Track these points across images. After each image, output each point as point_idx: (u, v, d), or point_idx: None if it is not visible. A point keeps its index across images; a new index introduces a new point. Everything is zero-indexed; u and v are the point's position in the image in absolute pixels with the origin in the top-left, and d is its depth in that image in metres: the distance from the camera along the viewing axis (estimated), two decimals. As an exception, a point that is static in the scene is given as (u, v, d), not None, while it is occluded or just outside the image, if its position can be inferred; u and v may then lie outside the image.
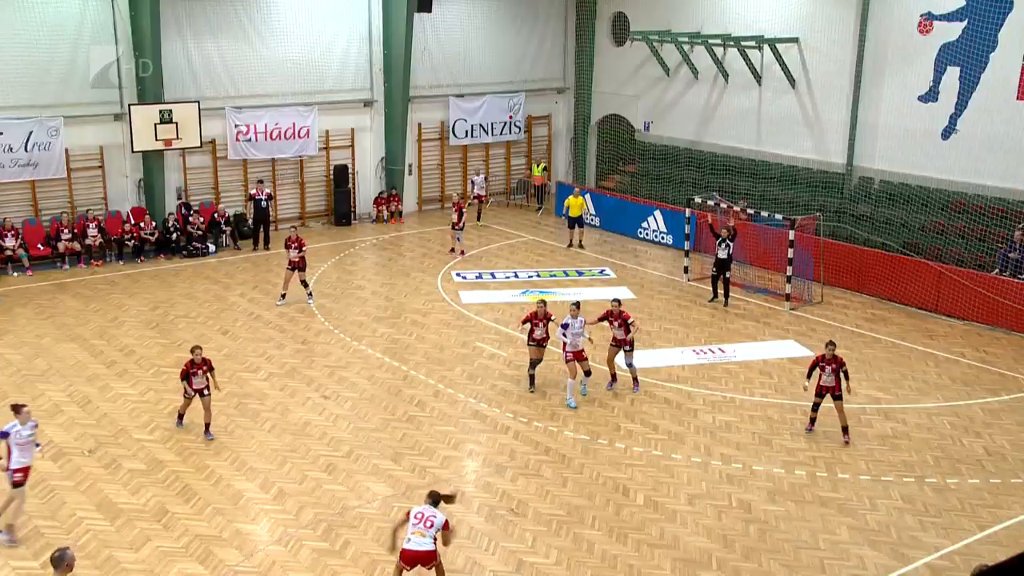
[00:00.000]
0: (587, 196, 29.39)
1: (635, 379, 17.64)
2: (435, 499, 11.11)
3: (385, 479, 14.38)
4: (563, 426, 16.18)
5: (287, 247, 21.90)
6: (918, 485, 14.37)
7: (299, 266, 21.92)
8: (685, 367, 18.86)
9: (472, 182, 30.92)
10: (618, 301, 17.75)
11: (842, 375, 15.50)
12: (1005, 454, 15.34)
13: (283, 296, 22.21)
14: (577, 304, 17.32)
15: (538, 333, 17.30)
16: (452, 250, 26.56)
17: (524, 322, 17.60)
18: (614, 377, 17.71)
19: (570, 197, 27.80)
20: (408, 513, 11.08)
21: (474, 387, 17.80)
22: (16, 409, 12.71)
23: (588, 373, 17.16)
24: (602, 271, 25.41)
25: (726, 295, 22.62)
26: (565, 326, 16.88)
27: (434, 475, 14.51)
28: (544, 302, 17.69)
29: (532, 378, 17.63)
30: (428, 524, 10.85)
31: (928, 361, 19.33)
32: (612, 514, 13.46)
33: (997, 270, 21.64)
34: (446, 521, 11.01)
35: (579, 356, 16.95)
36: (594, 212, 29.79)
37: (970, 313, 21.33)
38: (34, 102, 24.59)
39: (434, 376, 18.28)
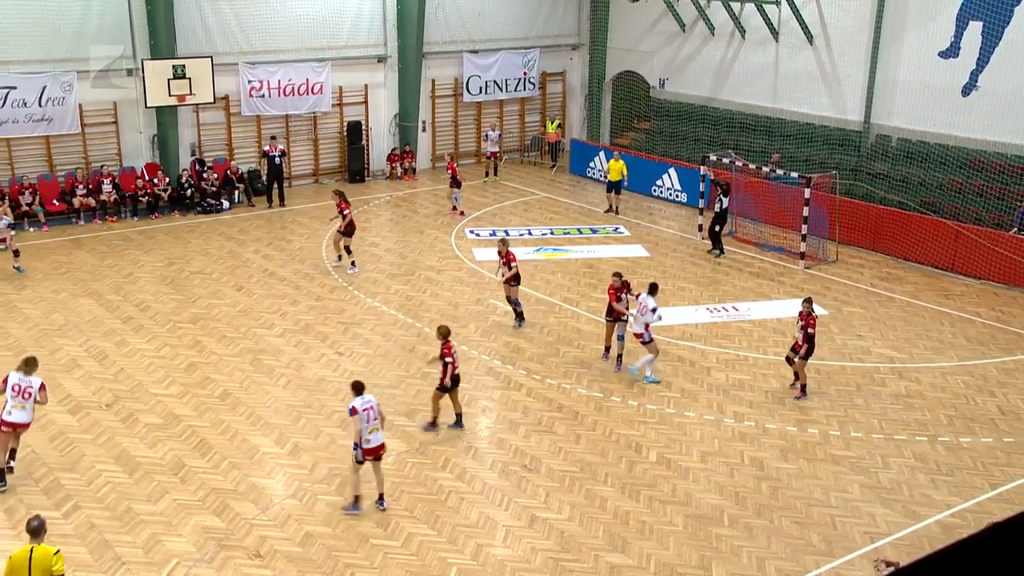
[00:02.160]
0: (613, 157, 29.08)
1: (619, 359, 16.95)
2: None
3: (399, 435, 14.48)
4: (576, 383, 16.24)
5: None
6: (931, 444, 14.39)
7: (343, 231, 21.41)
8: (699, 325, 18.86)
9: (486, 136, 30.70)
10: (619, 275, 17.00)
11: (802, 333, 15.32)
12: (1019, 413, 15.33)
13: (351, 263, 21.54)
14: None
15: (506, 272, 18.17)
16: (454, 208, 26.34)
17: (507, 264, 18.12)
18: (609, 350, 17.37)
19: (611, 161, 27.33)
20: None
21: (487, 344, 17.85)
22: (28, 363, 12.99)
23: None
24: (616, 229, 25.32)
25: (717, 246, 23.01)
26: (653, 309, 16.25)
27: (447, 431, 14.60)
28: (505, 241, 18.69)
29: (520, 315, 18.51)
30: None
31: (943, 320, 19.27)
32: (625, 471, 13.54)
33: (1015, 229, 21.46)
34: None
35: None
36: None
37: (987, 272, 21.20)
38: (48, 56, 24.51)
39: (448, 333, 18.30)
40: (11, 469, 12.89)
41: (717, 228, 22.95)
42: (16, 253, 20.99)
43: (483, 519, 12.37)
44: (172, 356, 17.18)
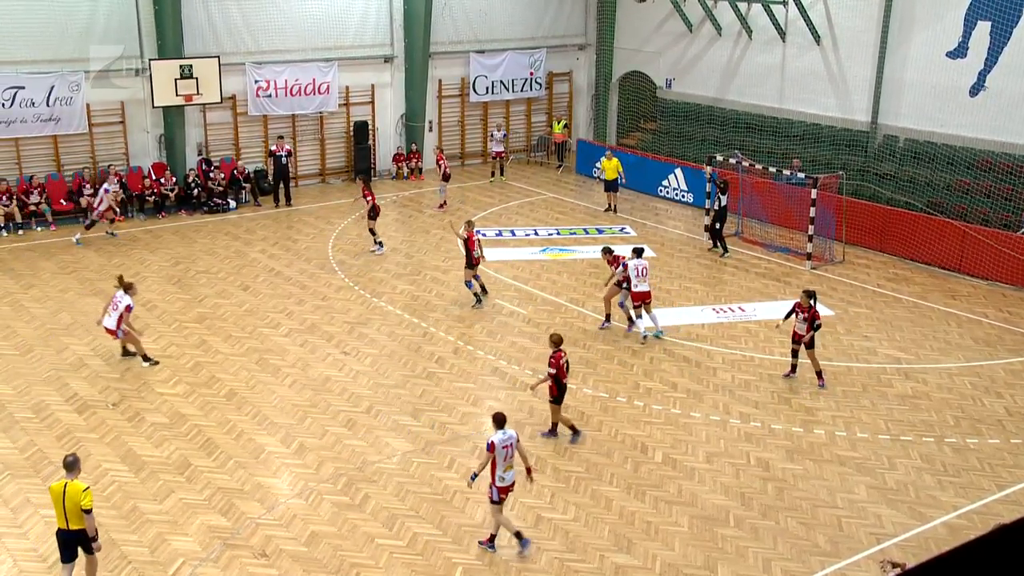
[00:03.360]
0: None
1: (630, 319, 18.34)
2: None
3: (404, 435, 14.50)
4: (582, 383, 16.23)
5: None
6: (937, 445, 14.35)
7: (368, 215, 22.70)
8: (705, 325, 18.83)
9: (492, 136, 30.69)
10: (608, 249, 18.69)
11: (811, 326, 15.84)
12: (1026, 415, 15.28)
13: (378, 244, 22.93)
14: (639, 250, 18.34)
15: (476, 253, 19.24)
16: (441, 204, 26.58)
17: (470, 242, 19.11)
18: (608, 318, 18.57)
19: (603, 159, 27.39)
20: None
21: (493, 344, 17.85)
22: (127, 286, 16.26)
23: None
24: (622, 229, 25.31)
25: (717, 242, 23.21)
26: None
27: (453, 431, 14.61)
28: (471, 222, 19.83)
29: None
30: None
31: (950, 321, 19.21)
32: (630, 471, 13.53)
33: (1023, 230, 21.39)
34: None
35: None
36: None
37: (994, 273, 21.14)
38: (56, 56, 24.56)
39: (454, 333, 18.34)
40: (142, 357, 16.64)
41: (717, 226, 22.97)
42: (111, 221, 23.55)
43: (489, 519, 12.35)
44: (178, 355, 17.21)
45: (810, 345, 16.00)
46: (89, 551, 10.51)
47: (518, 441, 11.64)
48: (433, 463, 13.70)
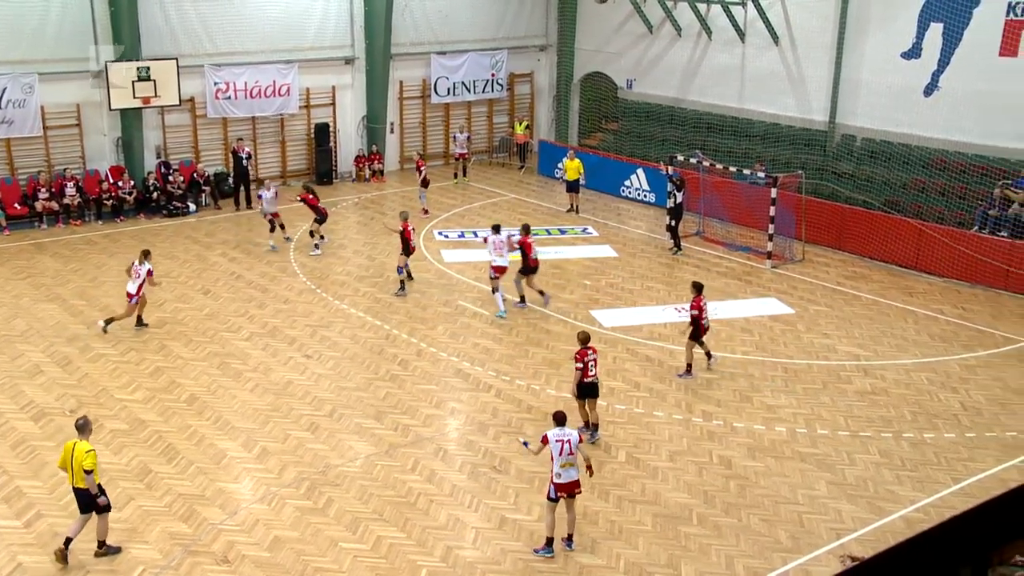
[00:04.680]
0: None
1: (521, 298, 19.54)
2: None
3: (367, 438, 14.44)
4: (546, 384, 16.26)
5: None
6: (895, 440, 14.55)
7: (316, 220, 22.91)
8: (667, 325, 18.93)
9: (454, 138, 30.69)
10: (527, 227, 19.70)
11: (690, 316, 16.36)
12: (980, 409, 15.53)
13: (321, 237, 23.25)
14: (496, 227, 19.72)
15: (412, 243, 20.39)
16: (425, 211, 26.41)
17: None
18: (523, 299, 19.50)
19: (565, 160, 27.46)
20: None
21: (456, 345, 17.83)
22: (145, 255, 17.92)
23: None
24: (584, 229, 25.39)
25: (675, 243, 23.24)
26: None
27: (417, 433, 14.58)
28: (405, 213, 20.85)
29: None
30: None
31: (907, 318, 19.48)
32: (594, 470, 13.54)
33: (976, 227, 21.75)
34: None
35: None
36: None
37: (949, 270, 21.48)
38: (6, 57, 24.18)
39: (416, 335, 18.30)
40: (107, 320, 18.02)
41: (673, 223, 23.08)
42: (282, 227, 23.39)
43: (452, 521, 12.36)
44: (137, 361, 17.01)
45: (692, 336, 16.34)
46: (97, 511, 11.29)
47: (581, 441, 11.60)
48: (396, 466, 13.66)
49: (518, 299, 19.52)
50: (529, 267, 19.31)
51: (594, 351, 14.16)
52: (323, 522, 12.26)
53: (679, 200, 22.98)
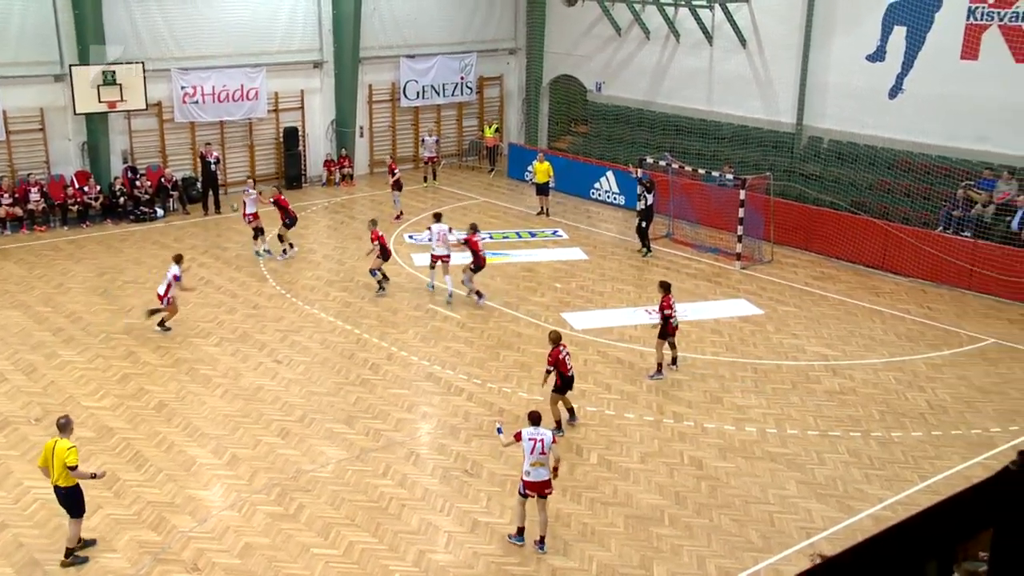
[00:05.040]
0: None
1: (478, 293, 19.77)
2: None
3: (339, 443, 14.38)
4: (517, 387, 16.27)
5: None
6: (864, 439, 14.69)
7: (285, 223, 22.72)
8: (637, 327, 19.00)
9: (423, 141, 30.67)
10: (474, 226, 20.15)
11: (662, 315, 16.47)
12: (946, 407, 15.73)
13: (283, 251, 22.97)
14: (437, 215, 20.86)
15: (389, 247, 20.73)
16: (398, 215, 26.27)
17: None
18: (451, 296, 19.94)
19: (535, 163, 27.48)
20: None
21: (427, 349, 17.80)
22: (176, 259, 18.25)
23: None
24: (555, 232, 25.44)
25: (646, 244, 23.32)
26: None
27: (388, 437, 14.53)
28: (375, 220, 21.01)
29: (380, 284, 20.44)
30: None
31: (874, 318, 19.68)
32: (566, 473, 13.56)
33: (941, 228, 22.02)
34: None
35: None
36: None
37: (915, 270, 21.73)
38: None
39: (387, 339, 18.25)
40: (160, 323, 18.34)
41: (644, 224, 23.19)
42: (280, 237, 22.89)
43: (425, 525, 12.33)
44: (105, 368, 16.83)
45: (661, 335, 16.49)
46: (72, 514, 11.33)
47: (554, 442, 11.74)
48: (368, 470, 13.61)
49: (476, 296, 19.84)
50: (479, 265, 19.75)
51: (564, 346, 14.48)
52: (294, 528, 12.19)
53: (650, 202, 23.10)
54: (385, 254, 20.35)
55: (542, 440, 11.60)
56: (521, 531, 11.90)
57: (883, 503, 12.93)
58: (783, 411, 15.56)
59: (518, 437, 11.74)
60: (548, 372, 14.33)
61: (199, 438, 14.46)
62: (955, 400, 15.99)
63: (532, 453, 11.57)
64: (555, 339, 14.45)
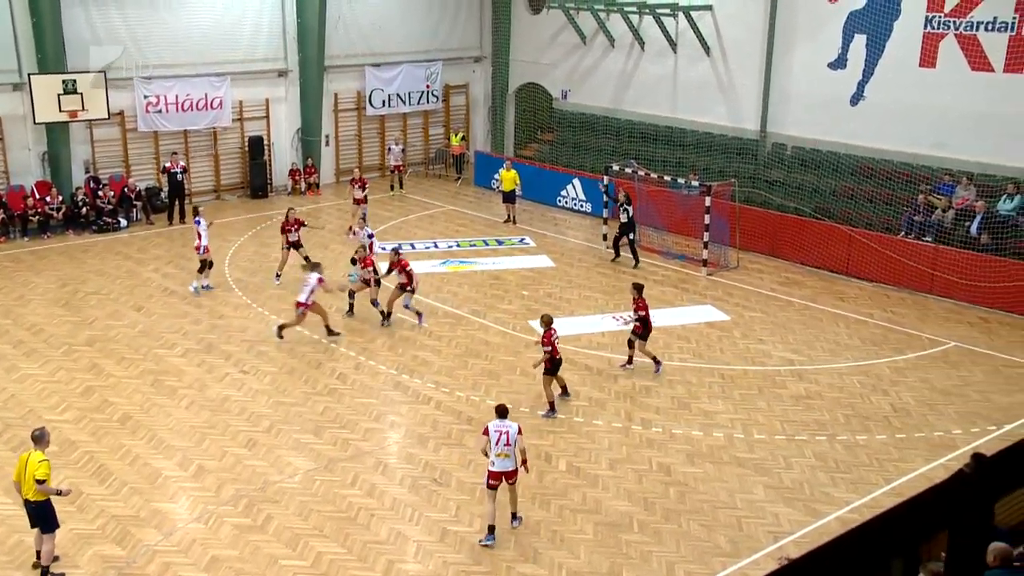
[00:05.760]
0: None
1: (418, 313, 19.34)
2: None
3: (307, 453, 14.29)
4: (485, 395, 16.25)
5: (284, 231, 21.69)
6: (830, 443, 14.83)
7: (297, 244, 21.78)
8: (605, 333, 19.07)
9: (389, 150, 30.62)
10: (396, 250, 19.47)
11: (635, 317, 16.95)
12: (910, 410, 15.92)
13: (278, 275, 21.78)
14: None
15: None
16: (352, 229, 25.53)
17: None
18: (389, 315, 19.27)
19: (502, 170, 27.52)
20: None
21: (395, 358, 17.74)
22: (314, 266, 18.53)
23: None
24: (522, 240, 25.47)
25: (635, 256, 23.14)
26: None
27: (356, 447, 14.46)
28: (364, 243, 20.55)
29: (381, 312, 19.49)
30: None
31: (839, 322, 19.89)
32: (535, 481, 13.58)
33: (903, 233, 22.31)
34: None
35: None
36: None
37: (878, 275, 21.99)
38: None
39: (355, 348, 18.17)
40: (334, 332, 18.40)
41: (631, 236, 23.15)
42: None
43: (394, 535, 12.27)
44: (67, 380, 16.61)
45: (642, 336, 16.87)
46: (43, 529, 11.10)
47: (519, 434, 12.12)
48: (336, 480, 13.53)
49: (417, 317, 19.31)
50: (413, 287, 19.05)
51: (555, 330, 15.46)
52: (262, 540, 12.09)
53: (631, 214, 23.04)
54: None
55: (507, 432, 12.03)
56: (492, 529, 12.07)
57: (849, 506, 13.05)
58: (750, 416, 15.67)
59: (485, 432, 12.14)
60: (546, 352, 15.21)
61: (165, 450, 14.31)
62: (918, 403, 16.19)
63: (497, 444, 11.99)
64: (547, 322, 15.29)
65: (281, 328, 18.35)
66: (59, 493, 11.33)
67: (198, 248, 20.81)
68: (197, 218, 20.96)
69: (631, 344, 17.23)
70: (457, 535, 12.28)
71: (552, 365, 15.39)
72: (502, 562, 11.75)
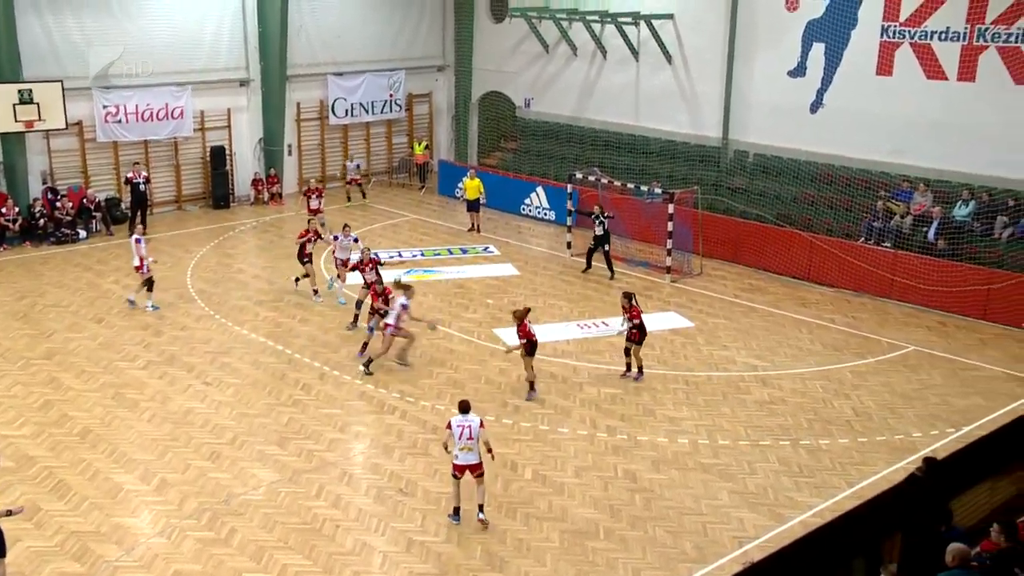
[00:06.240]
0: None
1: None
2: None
3: (271, 464, 14.16)
4: (451, 404, 16.17)
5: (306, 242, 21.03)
6: (793, 447, 14.95)
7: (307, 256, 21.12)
8: (570, 341, 19.11)
9: (346, 166, 30.52)
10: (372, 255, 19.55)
11: (629, 324, 17.07)
12: (871, 414, 16.10)
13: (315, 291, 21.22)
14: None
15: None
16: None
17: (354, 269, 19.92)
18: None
19: (465, 179, 27.54)
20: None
21: (360, 368, 17.64)
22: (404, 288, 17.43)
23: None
24: (486, 248, 25.47)
25: (610, 268, 23.03)
26: (336, 238, 20.56)
27: (321, 458, 14.36)
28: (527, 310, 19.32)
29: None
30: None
31: (801, 328, 20.08)
32: (501, 489, 13.57)
33: (863, 239, 22.59)
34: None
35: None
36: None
37: (839, 280, 22.25)
38: None
39: (319, 359, 18.05)
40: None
41: (606, 248, 23.04)
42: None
43: (359, 546, 12.20)
44: (25, 395, 16.34)
45: (638, 342, 17.05)
46: None
47: (481, 427, 12.54)
48: (301, 492, 13.43)
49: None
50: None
51: (529, 323, 16.31)
52: (226, 553, 11.96)
53: (606, 227, 22.93)
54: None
55: (470, 426, 12.45)
56: (457, 510, 12.65)
57: (813, 510, 13.17)
58: (715, 422, 15.76)
59: (448, 426, 12.61)
60: (523, 343, 16.09)
61: (126, 464, 14.12)
62: (879, 407, 16.37)
63: (460, 439, 12.44)
64: (522, 315, 16.14)
65: (369, 362, 17.40)
66: (9, 513, 10.66)
67: (138, 268, 20.22)
68: (135, 236, 20.55)
69: (628, 352, 17.23)
70: (423, 545, 12.22)
71: (531, 347, 16.23)
72: (468, 571, 11.71)
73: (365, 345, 18.07)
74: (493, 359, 18.10)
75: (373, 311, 18.17)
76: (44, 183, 26.01)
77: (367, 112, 32.14)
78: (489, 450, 12.67)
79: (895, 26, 23.11)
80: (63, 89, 25.08)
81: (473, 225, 26.99)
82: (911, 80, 22.93)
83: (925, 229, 21.74)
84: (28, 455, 14.28)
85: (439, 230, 27.25)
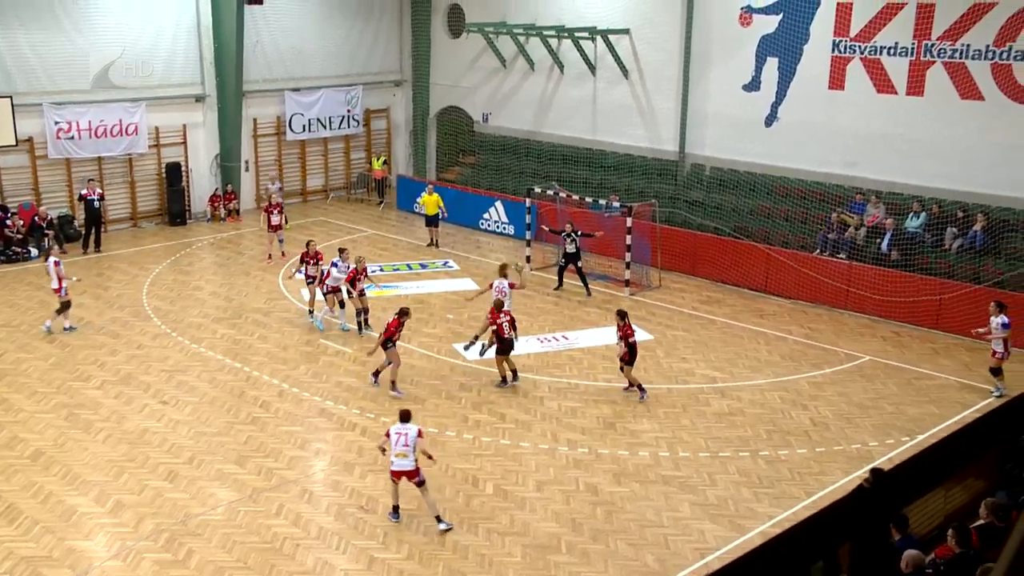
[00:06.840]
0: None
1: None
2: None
3: (230, 484, 14.00)
4: (412, 421, 16.09)
5: (304, 261, 20.92)
6: (752, 458, 15.07)
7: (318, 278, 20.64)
8: (530, 355, 19.13)
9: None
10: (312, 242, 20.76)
11: (623, 343, 16.97)
12: (828, 424, 16.28)
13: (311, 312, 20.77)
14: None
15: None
16: (282, 255, 25.13)
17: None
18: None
19: (423, 195, 27.49)
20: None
21: (319, 385, 17.53)
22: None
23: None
24: (445, 263, 25.45)
25: (585, 286, 23.00)
26: (335, 265, 20.20)
27: (281, 476, 14.22)
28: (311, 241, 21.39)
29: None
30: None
31: (759, 340, 20.28)
32: (462, 505, 13.53)
33: (818, 251, 22.89)
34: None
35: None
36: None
37: (796, 292, 22.51)
38: None
39: (278, 376, 17.90)
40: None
41: (578, 265, 23.04)
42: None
43: (320, 564, 12.09)
44: (-24, 416, 16.01)
45: (629, 362, 16.94)
46: None
47: (419, 436, 12.99)
48: (261, 511, 13.28)
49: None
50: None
51: (506, 314, 17.19)
52: (184, 574, 11.79)
53: (577, 244, 22.94)
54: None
55: (406, 435, 12.91)
56: (396, 508, 13.09)
57: (772, 520, 13.27)
58: (675, 434, 15.85)
59: (387, 433, 13.10)
60: (492, 332, 16.96)
61: (80, 486, 13.87)
62: (836, 417, 16.57)
63: (396, 445, 12.89)
64: (498, 307, 17.23)
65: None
66: None
67: (57, 291, 19.60)
68: (51, 258, 19.87)
69: (623, 369, 17.18)
70: (385, 562, 12.14)
71: (501, 345, 16.97)
72: (431, 588, 11.64)
73: (377, 372, 17.49)
74: (453, 374, 18.07)
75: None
76: (-6, 201, 25.59)
77: (325, 128, 32.02)
78: (429, 456, 13.17)
79: (846, 41, 23.51)
80: (12, 105, 24.71)
81: (432, 240, 26.96)
82: (862, 94, 23.33)
83: (879, 241, 22.08)
84: (-21, 478, 13.99)
85: (398, 245, 27.19)
